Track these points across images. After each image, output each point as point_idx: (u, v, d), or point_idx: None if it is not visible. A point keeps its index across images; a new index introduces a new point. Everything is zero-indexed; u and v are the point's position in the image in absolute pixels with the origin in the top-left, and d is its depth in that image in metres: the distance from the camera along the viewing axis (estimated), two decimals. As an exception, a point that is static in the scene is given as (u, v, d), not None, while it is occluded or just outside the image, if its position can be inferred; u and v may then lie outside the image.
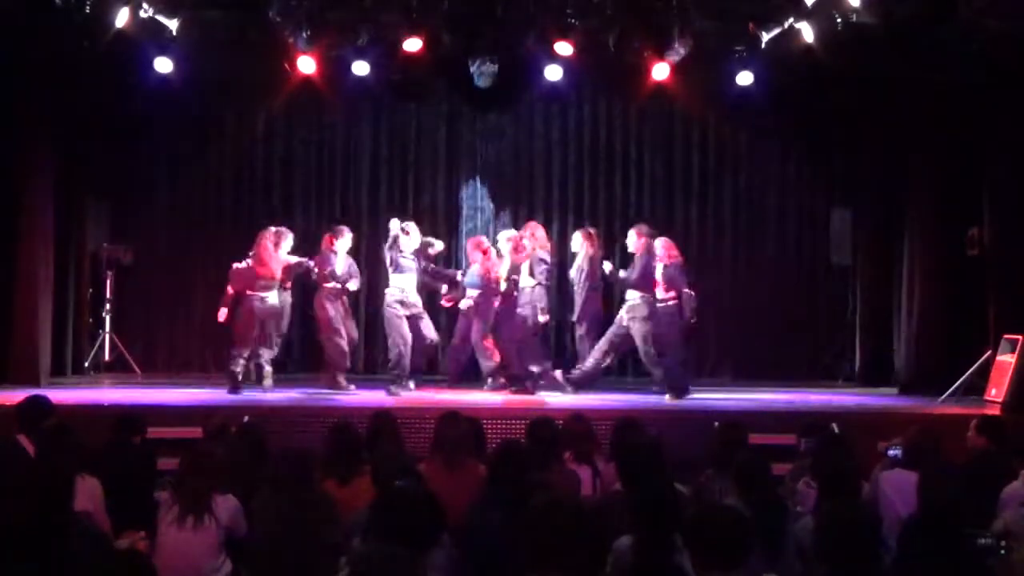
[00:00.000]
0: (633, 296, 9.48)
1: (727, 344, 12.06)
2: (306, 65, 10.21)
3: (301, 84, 10.71)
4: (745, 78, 10.38)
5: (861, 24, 9.44)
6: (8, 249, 10.12)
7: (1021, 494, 5.10)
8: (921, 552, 4.11)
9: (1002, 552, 4.40)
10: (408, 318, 9.55)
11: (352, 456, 5.61)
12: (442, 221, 11.79)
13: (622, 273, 9.57)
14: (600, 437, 6.54)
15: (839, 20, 9.52)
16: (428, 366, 10.61)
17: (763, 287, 12.06)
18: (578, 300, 9.88)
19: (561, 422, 6.33)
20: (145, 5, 9.55)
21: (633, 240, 9.73)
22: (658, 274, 9.65)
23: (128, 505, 5.28)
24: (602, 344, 9.64)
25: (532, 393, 9.43)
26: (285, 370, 10.79)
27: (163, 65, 9.97)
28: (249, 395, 9.45)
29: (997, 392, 9.31)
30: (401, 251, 9.56)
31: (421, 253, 9.84)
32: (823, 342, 11.91)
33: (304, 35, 9.87)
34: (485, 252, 10.03)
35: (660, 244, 9.86)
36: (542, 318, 9.84)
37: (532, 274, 9.78)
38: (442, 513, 3.94)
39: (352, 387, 9.75)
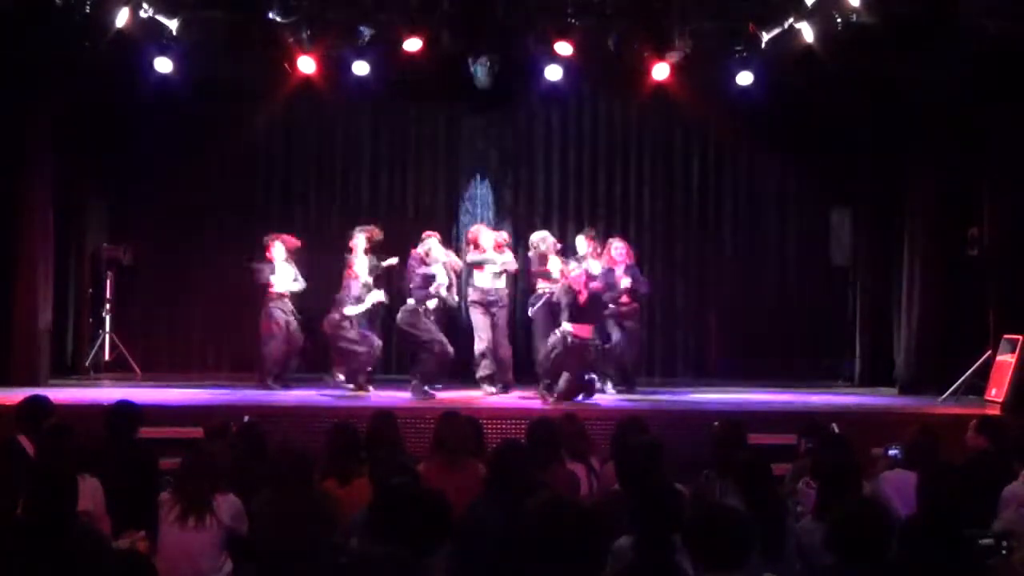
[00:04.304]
0: None
1: (727, 344, 12.06)
2: (306, 65, 10.21)
3: (301, 84, 10.70)
4: (745, 78, 10.36)
5: (861, 24, 9.45)
6: (8, 249, 10.11)
7: (1021, 494, 5.10)
8: (921, 552, 4.10)
9: (1003, 552, 4.40)
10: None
11: (352, 456, 5.63)
12: (442, 221, 11.76)
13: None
14: (599, 437, 6.54)
15: (839, 20, 9.53)
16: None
17: (763, 287, 12.07)
18: None
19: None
20: (145, 5, 9.54)
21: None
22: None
23: (128, 505, 5.28)
24: None
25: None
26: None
27: (163, 65, 9.95)
28: (249, 395, 9.45)
29: (997, 392, 9.31)
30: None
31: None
32: (823, 342, 11.91)
33: (304, 35, 9.87)
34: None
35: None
36: None
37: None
38: (445, 513, 3.93)
39: (277, 387, 9.86)
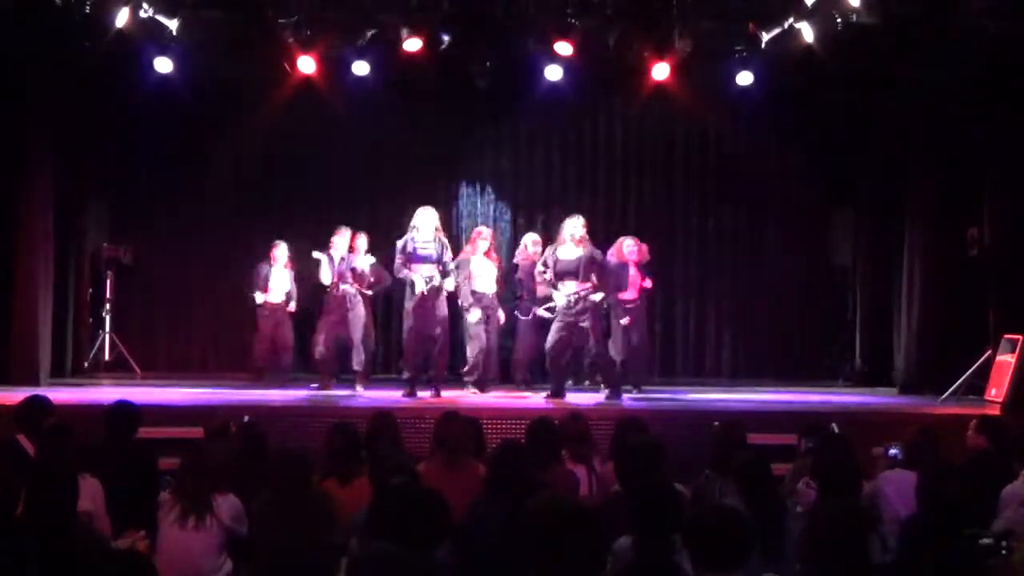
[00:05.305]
0: None
1: (727, 344, 12.07)
2: (306, 65, 10.21)
3: (301, 84, 10.70)
4: (745, 78, 10.38)
5: (861, 24, 9.45)
6: (8, 249, 10.11)
7: (1021, 494, 5.10)
8: (921, 552, 4.11)
9: (1003, 552, 4.39)
10: None
11: (352, 456, 5.63)
12: (441, 220, 11.73)
13: None
14: (599, 437, 6.54)
15: (839, 20, 9.53)
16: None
17: (763, 287, 12.08)
18: None
19: (558, 421, 6.33)
20: (145, 5, 9.55)
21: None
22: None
23: (128, 505, 5.28)
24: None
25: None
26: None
27: (163, 65, 9.98)
28: (249, 395, 9.45)
29: (997, 392, 9.31)
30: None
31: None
32: (823, 342, 11.91)
33: (304, 35, 9.88)
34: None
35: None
36: None
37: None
38: (445, 513, 3.93)
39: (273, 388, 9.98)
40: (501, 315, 10.13)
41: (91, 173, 11.28)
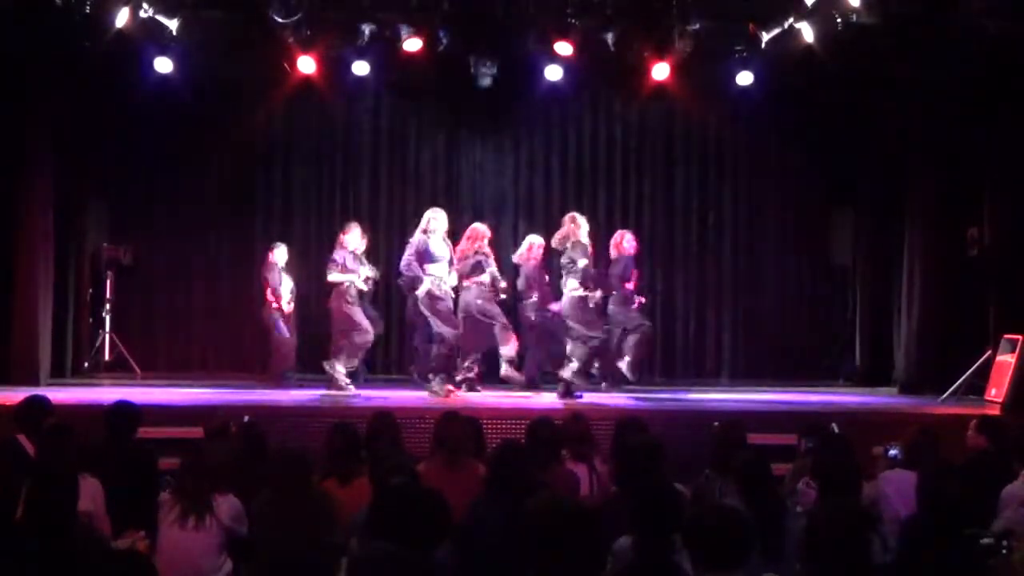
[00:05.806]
0: None
1: (727, 344, 12.06)
2: (306, 65, 10.22)
3: (301, 84, 10.71)
4: (745, 78, 10.39)
5: (861, 24, 9.46)
6: (8, 249, 10.12)
7: (1021, 494, 5.10)
8: (921, 552, 4.11)
9: (1003, 552, 4.40)
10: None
11: (352, 456, 5.63)
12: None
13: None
14: (600, 437, 6.54)
15: (839, 20, 9.54)
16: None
17: (763, 287, 12.08)
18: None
19: (559, 421, 6.33)
20: (145, 5, 9.55)
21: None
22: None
23: (128, 505, 5.28)
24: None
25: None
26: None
27: (163, 65, 9.98)
28: (249, 395, 9.44)
29: (997, 392, 9.32)
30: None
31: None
32: (823, 342, 11.91)
33: (304, 35, 9.88)
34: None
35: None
36: None
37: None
38: (445, 513, 3.93)
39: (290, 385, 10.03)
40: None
41: (91, 173, 11.28)
